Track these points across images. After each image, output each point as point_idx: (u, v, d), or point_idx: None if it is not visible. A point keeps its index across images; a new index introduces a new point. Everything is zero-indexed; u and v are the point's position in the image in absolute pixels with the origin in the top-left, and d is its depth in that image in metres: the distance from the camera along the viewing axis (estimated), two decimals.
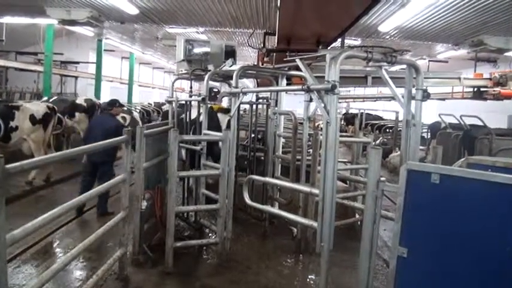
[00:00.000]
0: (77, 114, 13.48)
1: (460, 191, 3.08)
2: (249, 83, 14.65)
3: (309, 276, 6.04)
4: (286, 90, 8.09)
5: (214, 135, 6.74)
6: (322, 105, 4.27)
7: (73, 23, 14.10)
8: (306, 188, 4.86)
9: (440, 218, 3.17)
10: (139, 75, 33.72)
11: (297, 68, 6.40)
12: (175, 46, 8.89)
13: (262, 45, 11.97)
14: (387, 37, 15.97)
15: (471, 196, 3.04)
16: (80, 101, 14.04)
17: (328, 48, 9.36)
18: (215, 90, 15.91)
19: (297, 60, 6.02)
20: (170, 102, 8.42)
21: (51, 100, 14.03)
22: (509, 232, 2.91)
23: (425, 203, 3.22)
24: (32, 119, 10.23)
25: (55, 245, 6.78)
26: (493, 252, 2.96)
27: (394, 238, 3.35)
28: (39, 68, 19.13)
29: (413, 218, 3.26)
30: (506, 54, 15.96)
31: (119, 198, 5.58)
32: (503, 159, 5.18)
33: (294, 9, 7.04)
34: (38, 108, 10.62)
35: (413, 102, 5.16)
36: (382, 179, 3.56)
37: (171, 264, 5.79)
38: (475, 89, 14.91)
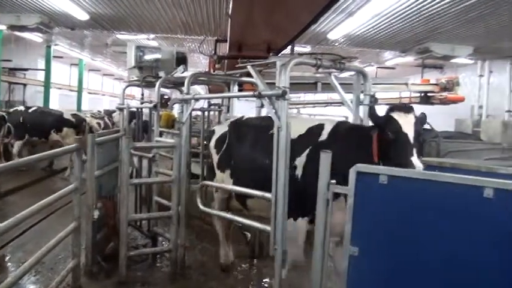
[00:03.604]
0: (64, 129, 13.49)
1: (406, 190, 3.20)
2: (200, 90, 14.65)
3: (264, 280, 6.10)
4: (238, 97, 8.13)
5: (166, 142, 6.73)
6: (274, 111, 4.34)
7: (22, 28, 13.86)
8: (258, 192, 4.89)
9: (389, 217, 3.29)
10: (89, 82, 33.17)
11: (249, 75, 6.45)
12: (125, 53, 8.83)
13: (213, 52, 12.02)
14: (336, 44, 16.28)
15: (417, 195, 3.16)
16: (67, 115, 13.96)
17: (279, 55, 9.50)
18: (166, 97, 15.85)
19: (248, 67, 6.09)
20: (121, 110, 8.33)
21: (30, 111, 13.80)
22: (449, 229, 3.05)
23: (374, 203, 3.34)
24: None
25: (7, 259, 6.55)
26: (440, 249, 3.09)
27: (346, 238, 3.45)
28: None
29: (364, 218, 3.37)
30: (452, 60, 16.59)
31: (70, 208, 5.48)
32: (450, 160, 5.39)
33: (244, 16, 7.13)
34: None
35: (361, 107, 5.32)
36: (333, 181, 3.66)
37: (124, 274, 5.72)
38: (422, 94, 15.37)
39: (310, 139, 4.93)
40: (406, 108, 4.46)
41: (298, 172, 4.83)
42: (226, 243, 6.34)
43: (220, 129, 6.31)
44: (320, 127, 5.02)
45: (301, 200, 4.41)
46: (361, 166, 3.38)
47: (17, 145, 13.06)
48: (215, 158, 6.16)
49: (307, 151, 4.83)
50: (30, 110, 13.85)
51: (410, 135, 4.25)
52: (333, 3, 6.57)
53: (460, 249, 3.02)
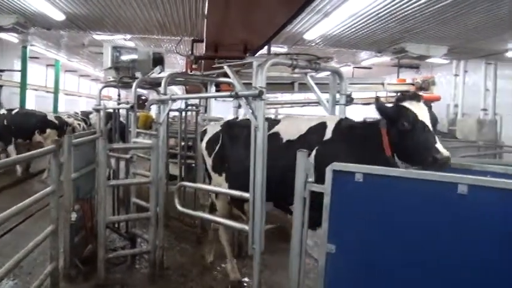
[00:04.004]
0: (48, 130, 13.43)
1: (382, 188, 3.25)
2: (177, 90, 14.65)
3: (243, 279, 6.11)
4: (215, 97, 8.15)
5: (143, 143, 6.70)
6: (251, 111, 4.36)
7: None
8: (236, 192, 4.90)
9: (365, 214, 3.33)
10: (65, 84, 32.76)
11: (225, 75, 6.45)
12: (102, 53, 8.77)
13: (190, 52, 12.00)
14: (313, 45, 16.33)
15: (392, 192, 3.21)
16: (50, 117, 13.96)
17: (255, 55, 9.53)
18: (143, 97, 15.79)
19: (225, 67, 6.07)
20: (98, 111, 8.26)
21: (13, 113, 13.64)
22: (425, 226, 3.11)
23: (350, 200, 3.38)
24: None
25: None
26: (416, 245, 3.14)
27: (323, 236, 3.48)
28: None
29: (340, 216, 3.41)
30: (427, 60, 16.78)
31: (48, 211, 5.41)
32: None
33: (220, 17, 7.15)
34: None
35: (337, 107, 5.38)
36: (310, 180, 3.69)
37: (103, 276, 5.68)
38: (399, 94, 15.54)
39: (314, 139, 4.65)
40: (416, 97, 4.28)
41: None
42: (232, 257, 6.16)
43: (211, 130, 6.12)
44: (322, 125, 4.74)
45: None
46: (336, 165, 3.42)
47: (11, 151, 13.03)
48: (208, 160, 6.02)
49: (314, 152, 4.40)
50: (13, 112, 13.73)
51: (428, 122, 4.02)
52: (307, 4, 6.61)
53: (436, 246, 3.07)
